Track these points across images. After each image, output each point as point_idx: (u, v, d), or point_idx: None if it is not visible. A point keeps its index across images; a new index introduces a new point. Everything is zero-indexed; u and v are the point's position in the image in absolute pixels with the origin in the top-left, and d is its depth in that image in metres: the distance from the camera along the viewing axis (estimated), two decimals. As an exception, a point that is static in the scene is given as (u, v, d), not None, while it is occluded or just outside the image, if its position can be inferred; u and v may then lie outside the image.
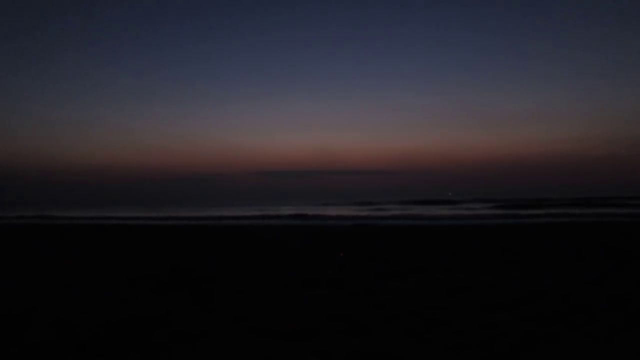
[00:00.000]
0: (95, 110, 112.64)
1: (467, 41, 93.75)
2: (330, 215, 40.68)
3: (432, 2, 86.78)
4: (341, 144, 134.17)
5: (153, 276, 8.52)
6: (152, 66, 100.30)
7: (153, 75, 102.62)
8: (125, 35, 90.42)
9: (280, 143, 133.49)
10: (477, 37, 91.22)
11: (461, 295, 6.53)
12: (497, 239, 15.50)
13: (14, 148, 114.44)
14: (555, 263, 9.38)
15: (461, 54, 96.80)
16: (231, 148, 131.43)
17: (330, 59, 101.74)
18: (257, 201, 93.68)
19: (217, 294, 6.83)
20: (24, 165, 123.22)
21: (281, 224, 30.17)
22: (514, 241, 14.45)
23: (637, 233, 17.11)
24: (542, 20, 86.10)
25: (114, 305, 6.18)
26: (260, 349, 4.38)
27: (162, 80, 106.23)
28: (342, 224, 27.94)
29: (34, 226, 28.87)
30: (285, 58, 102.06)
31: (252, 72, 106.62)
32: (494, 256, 10.70)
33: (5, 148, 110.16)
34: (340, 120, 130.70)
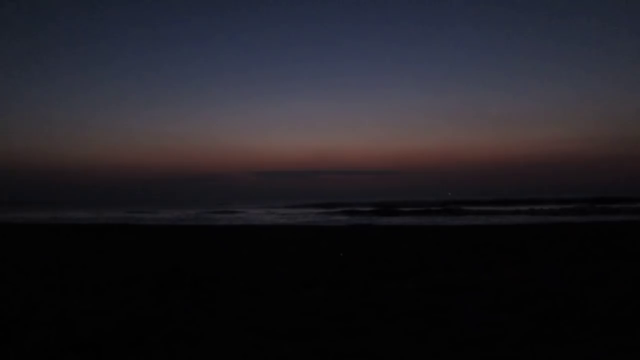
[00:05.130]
0: (92, 111, 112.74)
1: (469, 40, 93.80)
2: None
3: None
4: (341, 144, 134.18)
5: (153, 276, 8.52)
6: (150, 66, 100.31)
7: (151, 74, 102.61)
8: (123, 34, 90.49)
9: (279, 143, 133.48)
10: (479, 36, 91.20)
11: (461, 295, 6.53)
12: (497, 239, 15.50)
13: (11, 148, 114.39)
14: (555, 263, 9.38)
15: (462, 52, 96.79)
16: (230, 148, 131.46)
17: (329, 58, 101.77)
18: (252, 201, 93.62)
19: (217, 294, 6.83)
20: (21, 165, 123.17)
21: (281, 224, 30.15)
22: (513, 241, 14.45)
23: (637, 233, 17.10)
24: (544, 19, 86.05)
25: (114, 305, 6.17)
26: (260, 349, 4.38)
27: (160, 80, 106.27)
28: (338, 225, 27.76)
29: (33, 226, 28.86)
30: (284, 57, 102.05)
31: (250, 72, 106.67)
32: (494, 256, 10.70)
33: (2, 148, 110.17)
34: (340, 120, 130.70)
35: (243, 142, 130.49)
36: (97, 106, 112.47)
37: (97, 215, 48.70)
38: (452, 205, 51.29)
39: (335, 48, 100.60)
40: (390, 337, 4.68)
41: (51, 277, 8.69)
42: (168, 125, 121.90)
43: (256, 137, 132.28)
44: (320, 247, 13.94)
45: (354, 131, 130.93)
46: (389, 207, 50.14)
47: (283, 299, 6.48)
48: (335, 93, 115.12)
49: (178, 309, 5.95)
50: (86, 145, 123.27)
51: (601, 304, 5.79)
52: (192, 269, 9.45)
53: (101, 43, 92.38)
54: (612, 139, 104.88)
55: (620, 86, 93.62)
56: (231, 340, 4.62)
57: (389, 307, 5.90)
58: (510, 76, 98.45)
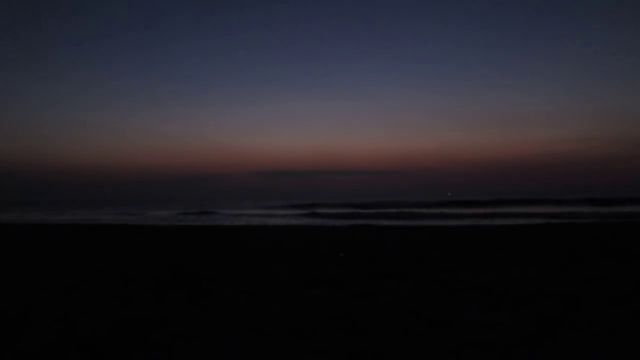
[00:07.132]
0: (90, 111, 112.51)
1: (470, 40, 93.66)
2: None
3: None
4: (341, 144, 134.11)
5: (153, 276, 8.52)
6: (148, 65, 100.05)
7: (149, 74, 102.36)
8: (121, 34, 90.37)
9: (279, 143, 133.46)
10: (479, 36, 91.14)
11: (461, 295, 6.53)
12: (497, 239, 15.50)
13: (10, 148, 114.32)
14: (555, 263, 9.38)
15: (463, 52, 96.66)
16: (229, 148, 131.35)
17: (329, 57, 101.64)
18: (252, 201, 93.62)
19: (217, 294, 6.83)
20: (19, 165, 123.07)
21: (282, 224, 30.13)
22: (513, 241, 14.45)
23: (637, 233, 17.11)
24: (545, 19, 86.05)
25: (114, 305, 6.17)
26: (260, 349, 4.38)
27: (158, 80, 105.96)
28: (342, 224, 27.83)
29: (32, 226, 28.85)
30: (284, 56, 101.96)
31: (250, 71, 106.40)
32: (493, 256, 10.70)
33: (2, 147, 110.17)
34: (341, 120, 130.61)
35: (243, 142, 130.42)
36: (96, 106, 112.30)
37: (95, 215, 48.71)
38: (410, 208, 48.68)
39: (335, 48, 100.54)
40: (390, 337, 4.68)
41: (50, 277, 8.68)
42: (167, 125, 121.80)
43: (255, 137, 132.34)
44: (319, 247, 13.94)
45: (354, 131, 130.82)
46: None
47: (283, 299, 6.48)
48: (335, 93, 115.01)
49: (177, 309, 5.95)
50: (85, 145, 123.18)
51: (601, 304, 5.80)
52: (191, 269, 9.45)
53: (99, 43, 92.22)
54: (612, 139, 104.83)
55: (620, 86, 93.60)
56: (231, 340, 4.62)
57: (389, 307, 5.90)
58: (511, 76, 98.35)
